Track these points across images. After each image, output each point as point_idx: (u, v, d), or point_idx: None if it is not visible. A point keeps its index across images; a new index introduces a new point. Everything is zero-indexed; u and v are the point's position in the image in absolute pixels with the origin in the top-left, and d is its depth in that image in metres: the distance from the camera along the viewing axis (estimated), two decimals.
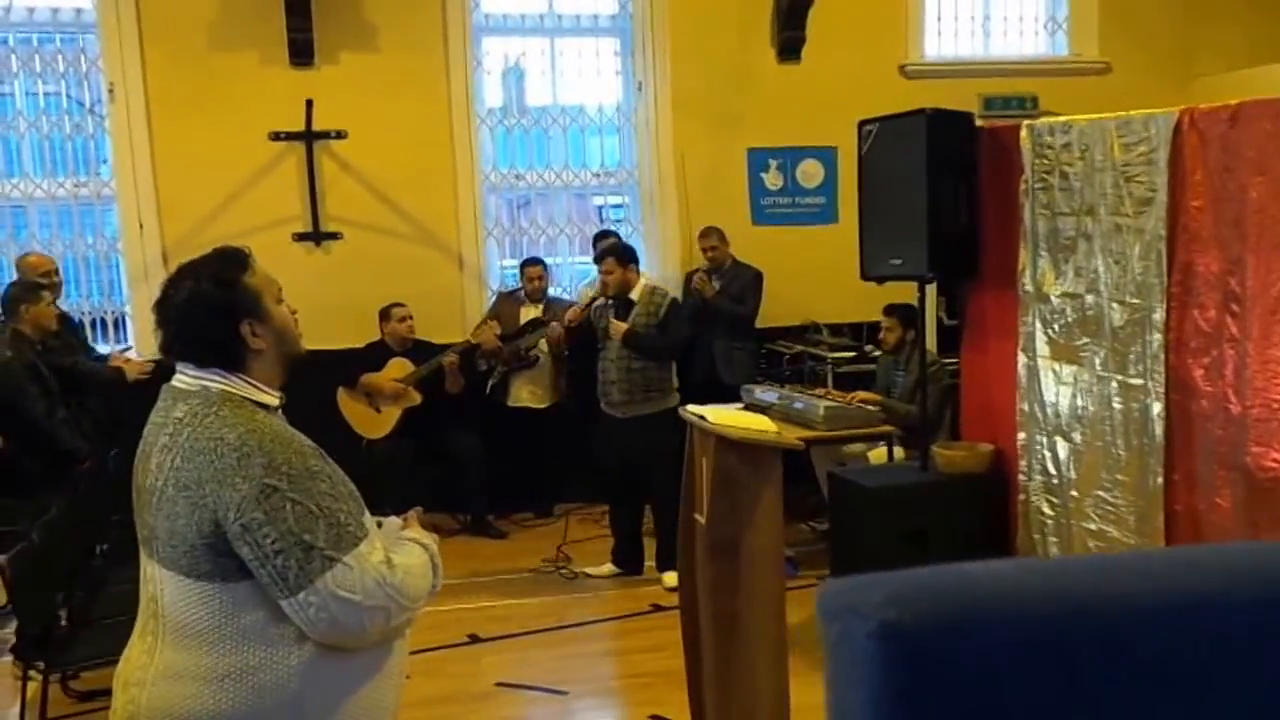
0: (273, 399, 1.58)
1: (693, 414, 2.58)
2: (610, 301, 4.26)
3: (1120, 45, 5.99)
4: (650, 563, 4.51)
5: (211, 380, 1.53)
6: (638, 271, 4.33)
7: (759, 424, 2.45)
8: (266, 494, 1.43)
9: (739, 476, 2.40)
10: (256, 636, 1.47)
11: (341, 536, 1.46)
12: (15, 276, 4.23)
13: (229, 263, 1.58)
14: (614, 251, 4.27)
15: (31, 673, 3.39)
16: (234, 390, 1.53)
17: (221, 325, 1.53)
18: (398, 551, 1.56)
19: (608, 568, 4.48)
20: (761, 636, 2.45)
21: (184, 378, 1.56)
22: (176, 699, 1.48)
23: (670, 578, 4.31)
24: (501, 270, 5.81)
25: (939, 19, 5.97)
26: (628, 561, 4.50)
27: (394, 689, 1.61)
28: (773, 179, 5.85)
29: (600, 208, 5.98)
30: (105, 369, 4.28)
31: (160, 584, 1.52)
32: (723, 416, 2.52)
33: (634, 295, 4.19)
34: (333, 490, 1.49)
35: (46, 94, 5.42)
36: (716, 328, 5.22)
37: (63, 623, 3.17)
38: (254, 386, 1.55)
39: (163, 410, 1.55)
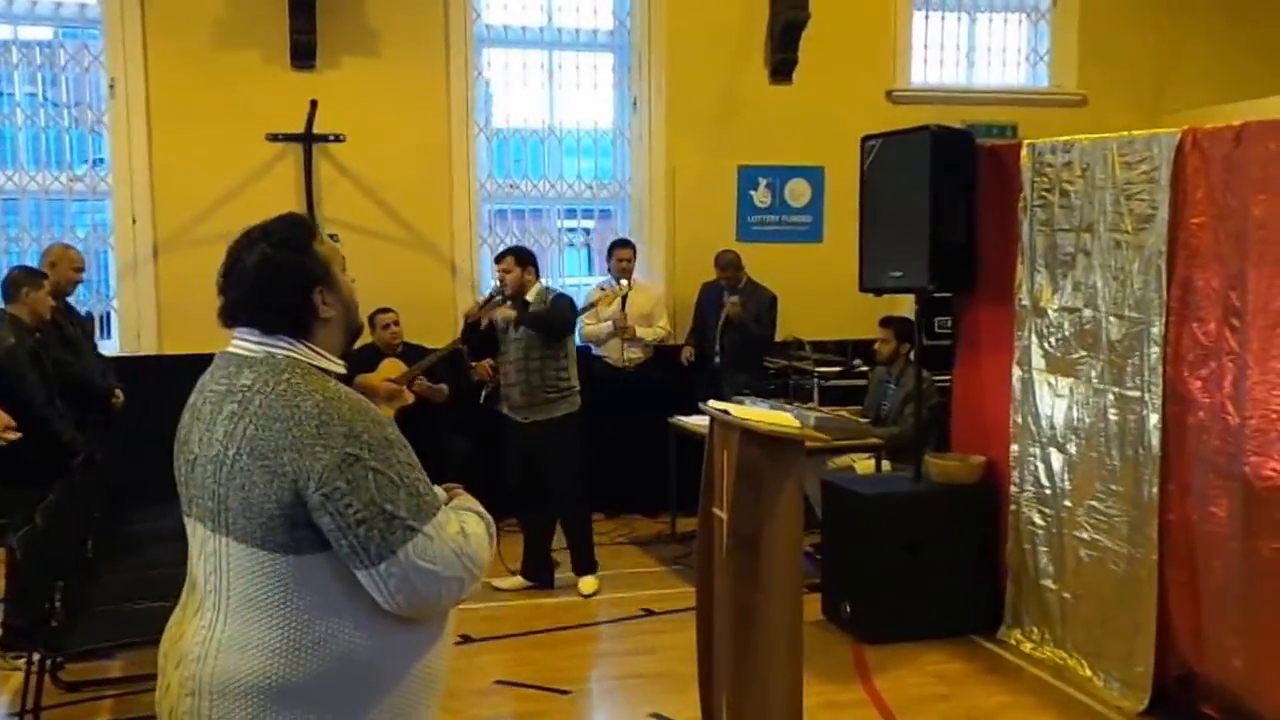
0: (338, 367, 1.54)
1: (715, 409, 2.62)
2: (508, 301, 4.29)
3: (1097, 79, 6.23)
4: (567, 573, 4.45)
5: (278, 347, 1.48)
6: (536, 276, 4.37)
7: (782, 420, 2.50)
8: (349, 463, 1.39)
9: (762, 470, 2.44)
10: (328, 609, 1.44)
11: (421, 507, 1.44)
12: (39, 266, 4.14)
13: (300, 229, 1.55)
14: (515, 251, 4.33)
15: (20, 663, 3.30)
16: (301, 358, 1.49)
17: (294, 291, 1.49)
18: (463, 520, 1.55)
19: (517, 580, 4.38)
20: (779, 628, 2.48)
21: (246, 344, 1.50)
22: (244, 670, 1.44)
23: (587, 583, 4.36)
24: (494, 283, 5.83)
25: (925, 47, 6.19)
26: (539, 573, 4.42)
27: (448, 656, 1.60)
28: (761, 197, 5.96)
29: (569, 230, 6.00)
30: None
31: (226, 557, 1.46)
32: (746, 412, 2.56)
33: (529, 296, 4.26)
34: (410, 460, 1.46)
35: (46, 89, 5.34)
36: (725, 343, 5.30)
37: (58, 609, 3.08)
38: (320, 354, 1.51)
39: (224, 377, 1.49)
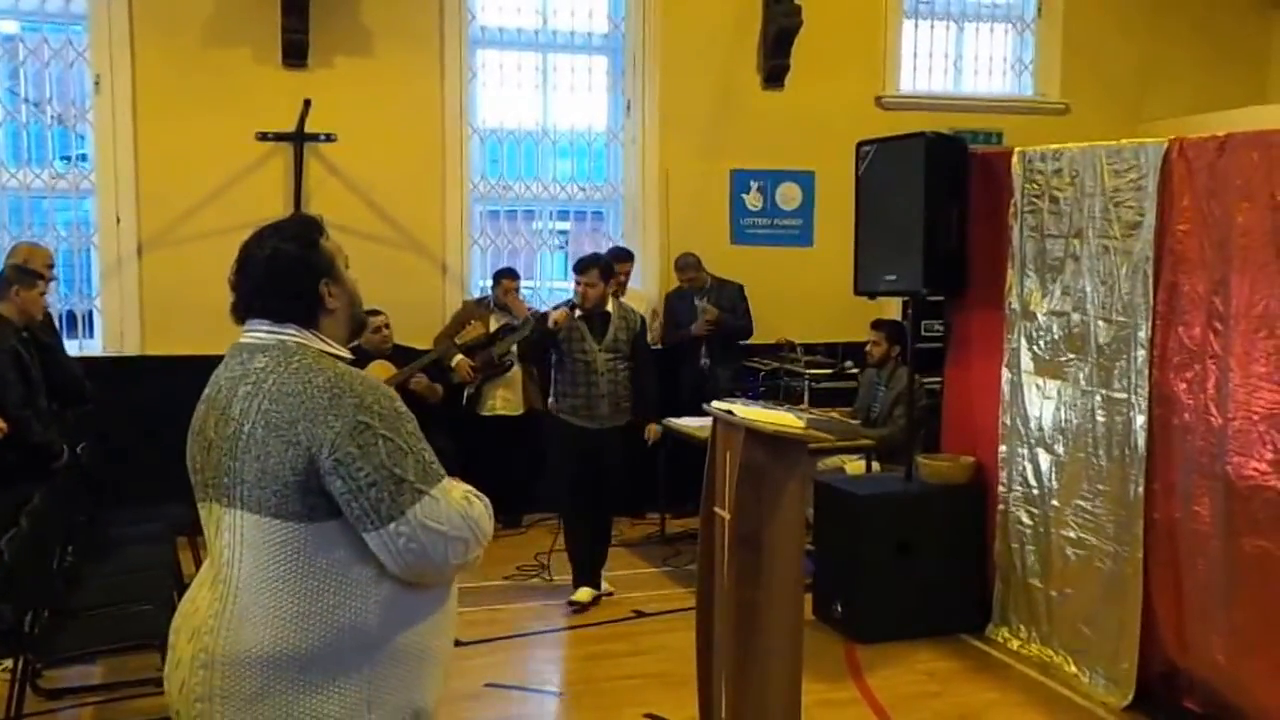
0: (345, 354, 1.63)
1: (719, 409, 2.65)
2: (580, 314, 4.18)
3: (1080, 89, 6.36)
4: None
5: (287, 334, 1.57)
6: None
7: (785, 420, 2.53)
8: (360, 430, 1.47)
9: (765, 470, 2.48)
10: (337, 576, 1.50)
11: (428, 472, 1.52)
12: (5, 264, 4.09)
13: (308, 226, 1.66)
14: (599, 263, 4.20)
15: (1, 670, 3.25)
16: (309, 344, 1.57)
17: (303, 282, 1.58)
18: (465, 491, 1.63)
19: (588, 590, 4.29)
20: (780, 627, 2.52)
21: (258, 333, 1.58)
22: (255, 641, 1.49)
23: (587, 593, 4.27)
24: (481, 287, 5.83)
25: (914, 55, 6.29)
26: (594, 578, 4.35)
27: (450, 630, 1.68)
28: (753, 200, 6.01)
29: (551, 231, 5.98)
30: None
31: (240, 530, 1.52)
32: (749, 412, 2.59)
33: (610, 308, 4.22)
34: (417, 432, 1.54)
35: (28, 84, 5.27)
36: (711, 342, 5.38)
37: (42, 614, 3.03)
38: (326, 342, 1.60)
39: (238, 364, 1.57)
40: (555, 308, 4.35)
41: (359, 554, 1.50)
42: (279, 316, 1.57)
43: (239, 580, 1.52)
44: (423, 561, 1.51)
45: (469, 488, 1.66)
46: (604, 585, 4.40)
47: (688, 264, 5.45)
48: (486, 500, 1.65)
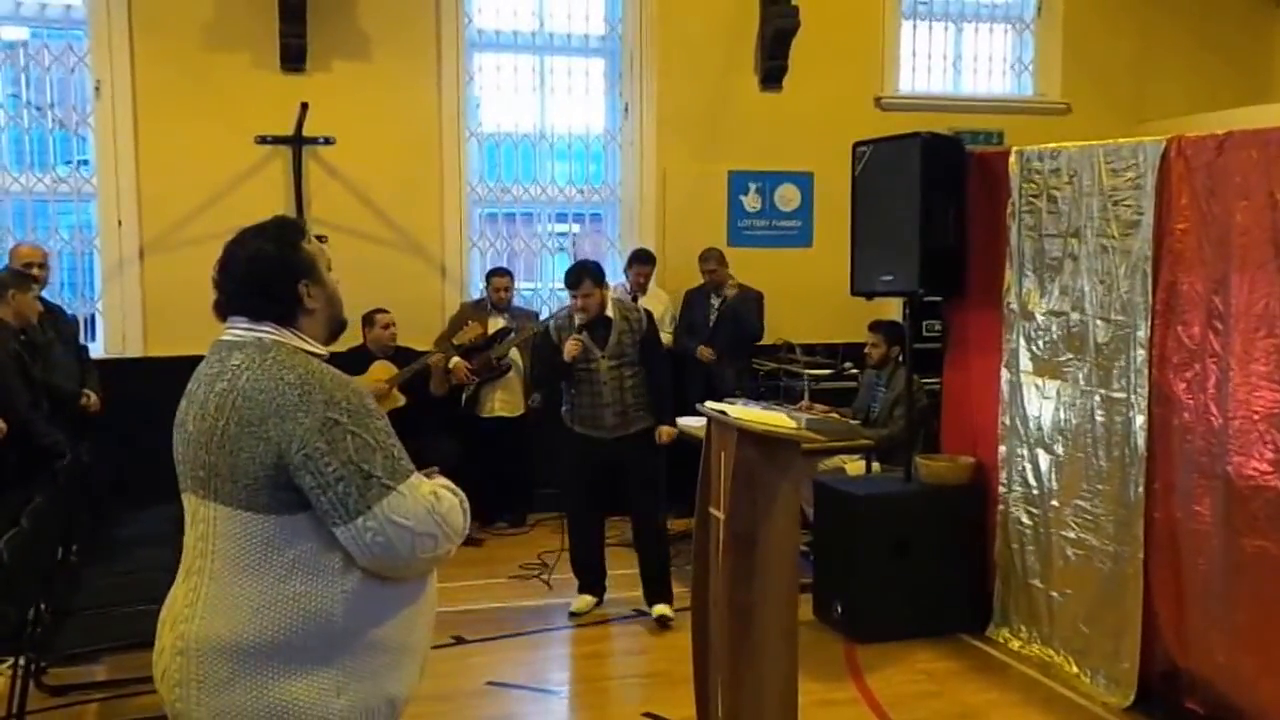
0: (321, 351, 1.66)
1: (713, 409, 2.64)
2: (582, 331, 3.97)
3: (1080, 89, 6.36)
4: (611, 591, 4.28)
5: (265, 332, 1.61)
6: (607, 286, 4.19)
7: (779, 421, 2.53)
8: (328, 426, 1.50)
9: (759, 471, 2.47)
10: (305, 567, 1.53)
11: (396, 468, 1.55)
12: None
13: (289, 228, 1.70)
14: (591, 273, 3.97)
15: (4, 667, 3.26)
16: (285, 341, 1.61)
17: (282, 281, 1.62)
18: (436, 486, 1.64)
19: (588, 599, 4.23)
20: (774, 627, 2.52)
21: (237, 331, 1.62)
22: (224, 627, 1.53)
23: (667, 609, 4.13)
24: (481, 289, 5.83)
25: (914, 55, 6.28)
26: (599, 585, 4.29)
27: (426, 625, 1.68)
28: (751, 201, 6.01)
29: (551, 234, 5.97)
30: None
31: (214, 522, 1.57)
32: (743, 413, 2.59)
33: (609, 312, 4.04)
34: (387, 428, 1.57)
35: (29, 89, 5.29)
36: (720, 344, 5.38)
37: (43, 613, 3.05)
38: (303, 339, 1.63)
39: (216, 361, 1.61)
40: (550, 321, 4.24)
41: (327, 546, 1.54)
42: (257, 314, 1.61)
43: (211, 571, 1.57)
44: (390, 555, 1.53)
45: (445, 482, 1.69)
46: (662, 609, 4.05)
47: (709, 256, 5.45)
48: (462, 495, 1.67)
